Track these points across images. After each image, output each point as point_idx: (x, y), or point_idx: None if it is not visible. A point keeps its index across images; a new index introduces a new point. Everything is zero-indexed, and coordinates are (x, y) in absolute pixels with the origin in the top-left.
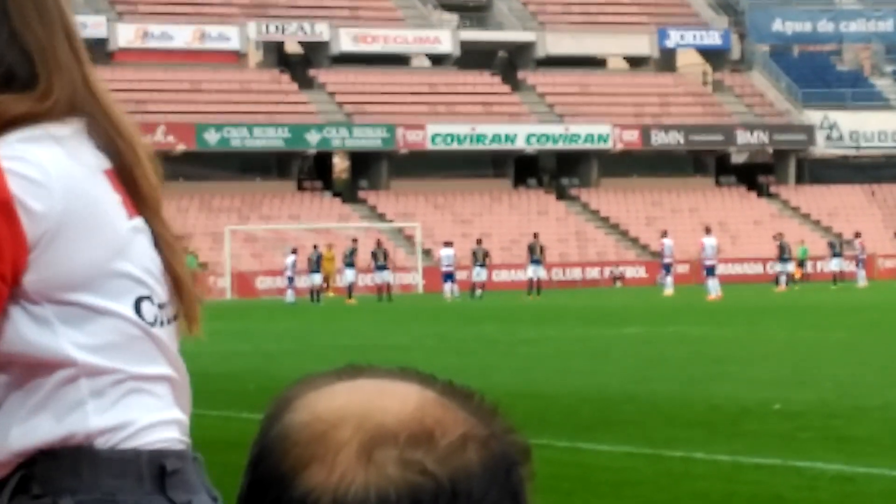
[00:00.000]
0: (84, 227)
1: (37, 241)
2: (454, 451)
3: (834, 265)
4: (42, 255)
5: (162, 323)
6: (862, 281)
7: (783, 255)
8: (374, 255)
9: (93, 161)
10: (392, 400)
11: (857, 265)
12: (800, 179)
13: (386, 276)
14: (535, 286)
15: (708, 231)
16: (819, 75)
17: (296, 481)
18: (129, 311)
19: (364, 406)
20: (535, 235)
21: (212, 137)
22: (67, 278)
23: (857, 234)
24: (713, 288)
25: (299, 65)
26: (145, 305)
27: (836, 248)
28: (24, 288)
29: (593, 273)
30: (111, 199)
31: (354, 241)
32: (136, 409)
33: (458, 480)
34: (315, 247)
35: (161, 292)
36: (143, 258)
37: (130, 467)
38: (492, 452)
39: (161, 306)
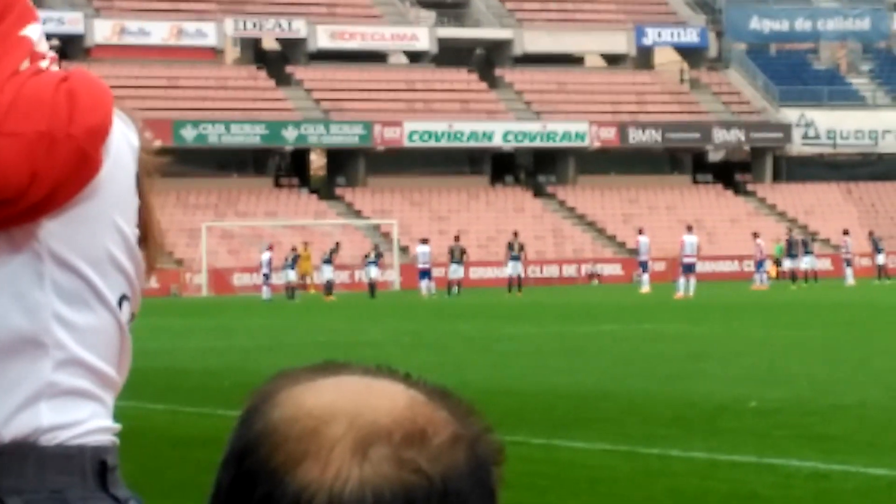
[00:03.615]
0: (118, 202)
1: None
2: (445, 451)
3: (806, 263)
4: (75, 207)
5: (129, 327)
6: (850, 279)
7: (791, 251)
8: (368, 254)
9: (136, 143)
10: (381, 398)
11: (844, 264)
12: (776, 177)
13: (374, 273)
14: (515, 283)
15: (689, 229)
16: (796, 73)
17: (287, 477)
18: (116, 307)
19: (354, 403)
20: (515, 234)
21: (188, 134)
22: (86, 245)
23: (846, 232)
24: (683, 286)
25: (276, 61)
26: (125, 305)
27: (800, 246)
28: (38, 233)
29: (570, 270)
30: (136, 200)
31: (337, 244)
32: (86, 410)
33: (449, 479)
34: (294, 248)
35: (137, 297)
36: (137, 257)
37: (75, 464)
38: (476, 453)
39: (132, 314)
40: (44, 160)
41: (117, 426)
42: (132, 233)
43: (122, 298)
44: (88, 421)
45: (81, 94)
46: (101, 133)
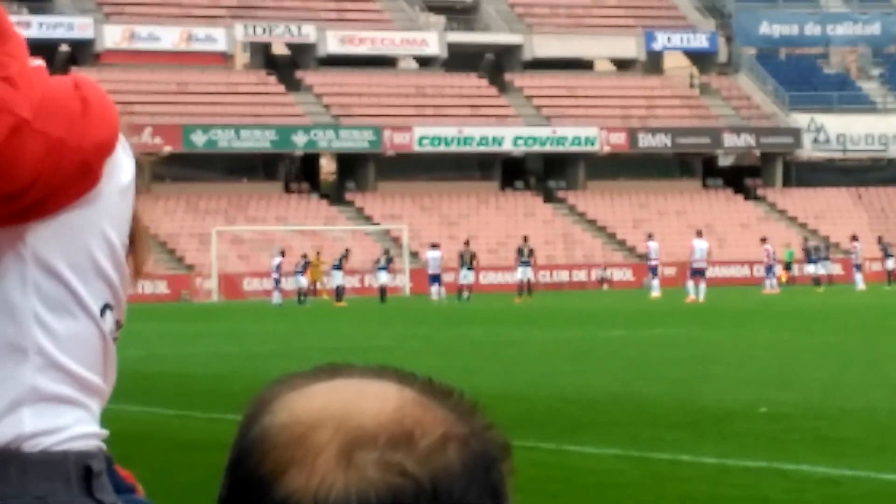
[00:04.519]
0: (111, 212)
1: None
2: (434, 452)
3: (819, 269)
4: (67, 214)
5: (114, 336)
6: (860, 284)
7: (819, 254)
8: (378, 259)
9: (132, 162)
10: (371, 401)
11: (854, 268)
12: (786, 182)
13: (384, 278)
14: (525, 288)
15: (699, 234)
16: (806, 78)
17: (275, 485)
18: (98, 315)
19: (343, 407)
20: (525, 238)
21: (199, 139)
22: (72, 252)
23: (856, 237)
24: (693, 291)
25: (286, 66)
26: (108, 314)
27: (821, 252)
28: (26, 237)
29: (580, 275)
30: (129, 211)
31: (347, 251)
32: (69, 416)
33: (438, 480)
34: (304, 255)
35: (123, 306)
36: (123, 267)
37: (58, 469)
38: (472, 451)
39: (118, 322)
40: (50, 166)
41: (104, 432)
42: (121, 243)
43: (105, 307)
44: (72, 427)
45: (94, 105)
46: (107, 148)
